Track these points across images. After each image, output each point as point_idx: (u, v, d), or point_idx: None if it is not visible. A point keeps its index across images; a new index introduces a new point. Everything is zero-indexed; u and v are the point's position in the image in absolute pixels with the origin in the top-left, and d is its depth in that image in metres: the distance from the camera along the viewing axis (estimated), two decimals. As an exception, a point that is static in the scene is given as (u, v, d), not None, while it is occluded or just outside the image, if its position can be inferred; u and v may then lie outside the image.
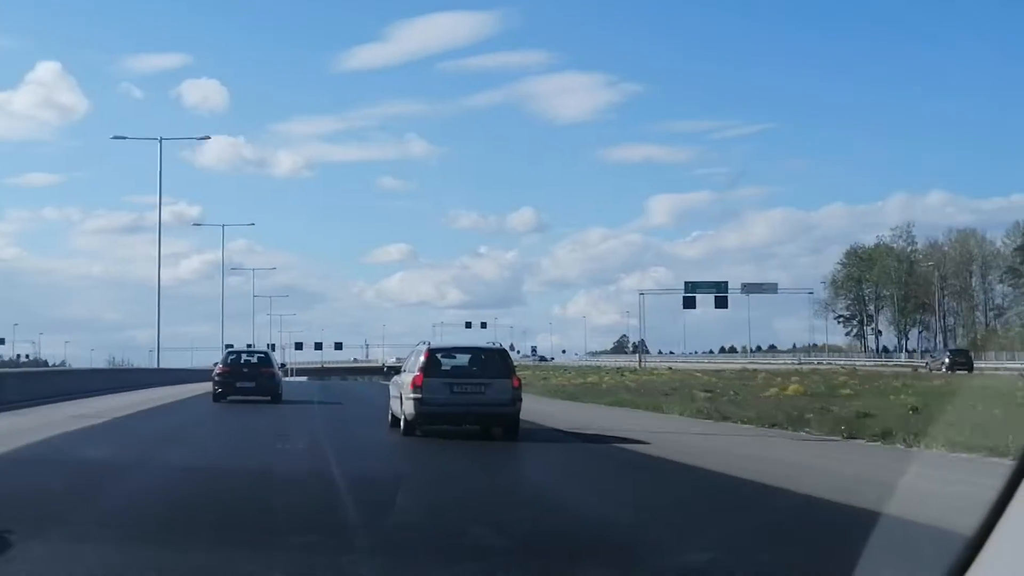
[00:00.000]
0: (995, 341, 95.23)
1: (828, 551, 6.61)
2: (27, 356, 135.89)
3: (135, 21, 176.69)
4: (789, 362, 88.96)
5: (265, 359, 30.53)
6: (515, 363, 17.77)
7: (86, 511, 8.07)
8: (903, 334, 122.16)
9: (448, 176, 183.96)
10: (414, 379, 15.54)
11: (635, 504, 9.41)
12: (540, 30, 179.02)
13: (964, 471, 11.12)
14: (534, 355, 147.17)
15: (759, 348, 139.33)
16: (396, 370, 19.24)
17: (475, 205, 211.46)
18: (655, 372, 61.17)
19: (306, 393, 37.03)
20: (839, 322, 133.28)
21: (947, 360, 63.52)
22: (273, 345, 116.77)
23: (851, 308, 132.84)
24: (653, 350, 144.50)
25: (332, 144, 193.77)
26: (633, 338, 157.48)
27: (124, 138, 58.62)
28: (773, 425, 18.44)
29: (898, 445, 14.50)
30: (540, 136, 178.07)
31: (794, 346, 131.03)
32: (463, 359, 17.02)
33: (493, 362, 16.34)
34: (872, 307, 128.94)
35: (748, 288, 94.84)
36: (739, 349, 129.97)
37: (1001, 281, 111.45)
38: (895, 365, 77.95)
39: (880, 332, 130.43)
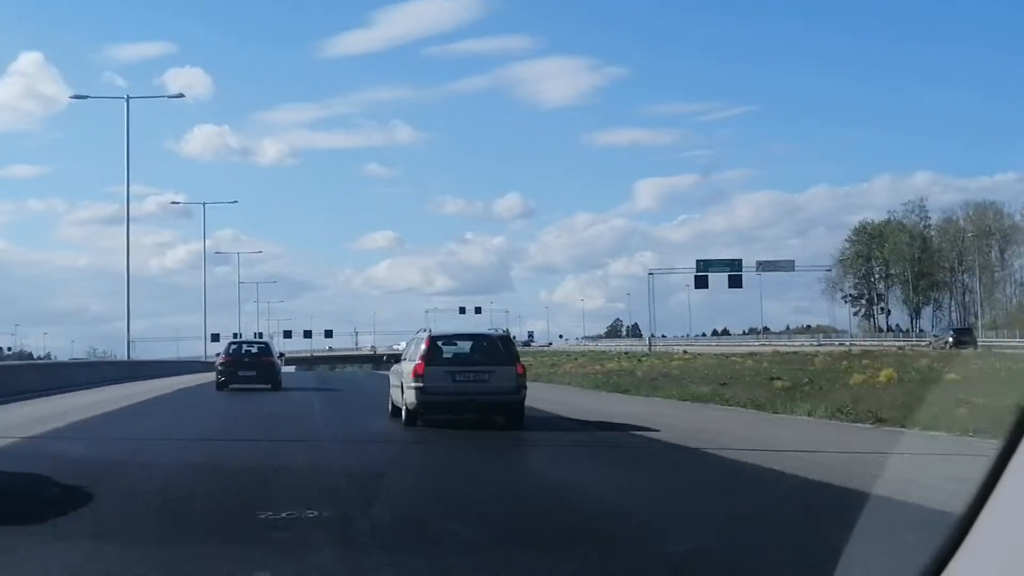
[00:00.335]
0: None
1: None
2: (9, 349, 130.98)
3: (118, 10, 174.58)
4: (807, 343, 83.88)
5: (265, 349, 32.03)
6: None
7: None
8: (916, 313, 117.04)
9: (434, 162, 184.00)
10: (415, 367, 15.18)
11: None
12: (524, 14, 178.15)
13: None
14: (531, 339, 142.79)
15: (752, 330, 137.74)
16: (396, 358, 18.48)
17: (461, 191, 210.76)
18: (676, 357, 55.85)
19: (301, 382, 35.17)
20: (846, 301, 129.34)
21: (950, 339, 63.85)
22: (260, 334, 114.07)
23: (858, 287, 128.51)
24: (644, 333, 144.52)
25: (317, 131, 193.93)
26: (627, 322, 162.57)
27: (84, 97, 53.06)
28: (973, 432, 12.50)
29: None
30: (525, 121, 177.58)
31: (787, 327, 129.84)
32: (465, 346, 16.64)
33: (496, 349, 15.93)
34: (881, 285, 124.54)
35: (763, 266, 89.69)
36: (731, 332, 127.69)
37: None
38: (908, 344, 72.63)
39: (889, 311, 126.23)
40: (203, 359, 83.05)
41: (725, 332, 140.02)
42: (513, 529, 6.92)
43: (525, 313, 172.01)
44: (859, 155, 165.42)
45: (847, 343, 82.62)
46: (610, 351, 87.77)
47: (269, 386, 29.13)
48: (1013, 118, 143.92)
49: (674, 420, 16.62)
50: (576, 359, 66.45)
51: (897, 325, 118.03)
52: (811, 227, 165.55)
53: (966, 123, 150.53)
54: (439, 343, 16.01)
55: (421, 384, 15.05)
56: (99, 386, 30.43)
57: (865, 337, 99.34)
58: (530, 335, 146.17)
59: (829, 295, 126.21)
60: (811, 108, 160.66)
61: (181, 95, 63.06)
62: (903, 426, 13.93)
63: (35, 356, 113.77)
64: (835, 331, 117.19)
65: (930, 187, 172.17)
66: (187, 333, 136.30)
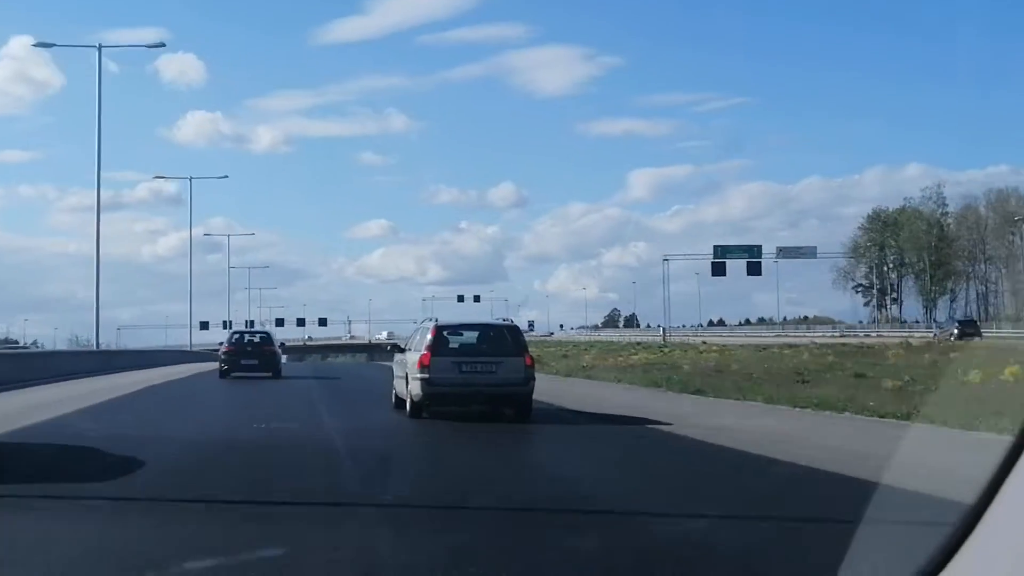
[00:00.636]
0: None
1: None
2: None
3: None
4: (828, 335, 79.25)
5: (267, 338, 33.25)
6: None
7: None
8: (932, 303, 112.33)
9: (428, 151, 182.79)
10: (421, 358, 14.90)
11: None
12: (519, 3, 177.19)
13: None
14: (531, 329, 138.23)
15: (747, 321, 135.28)
16: (399, 348, 17.75)
17: (455, 180, 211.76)
18: (701, 348, 51.15)
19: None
20: (857, 291, 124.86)
21: (956, 331, 63.43)
22: (252, 322, 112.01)
23: (868, 277, 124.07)
24: (642, 323, 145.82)
25: (311, 119, 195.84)
26: (625, 312, 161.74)
27: (51, 45, 48.25)
28: None
29: None
30: (520, 110, 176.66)
31: (784, 319, 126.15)
32: (472, 336, 16.27)
33: (504, 339, 15.60)
34: (895, 274, 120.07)
35: (784, 252, 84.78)
36: (726, 323, 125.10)
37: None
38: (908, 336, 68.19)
39: (901, 301, 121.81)
40: (188, 348, 78.87)
41: (721, 323, 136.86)
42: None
43: (519, 302, 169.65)
44: (852, 147, 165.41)
45: (862, 333, 78.28)
46: (620, 341, 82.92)
47: (270, 374, 30.35)
48: (1008, 111, 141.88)
49: (872, 447, 11.01)
50: (587, 350, 61.93)
51: (910, 317, 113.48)
52: (803, 218, 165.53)
53: (960, 116, 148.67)
54: (445, 333, 15.64)
55: (427, 375, 14.69)
56: (49, 382, 25.40)
57: (863, 328, 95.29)
58: (530, 324, 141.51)
59: (841, 285, 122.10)
60: (805, 99, 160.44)
61: (161, 44, 57.86)
62: None
63: (20, 343, 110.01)
64: (832, 322, 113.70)
65: (921, 180, 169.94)
66: (178, 321, 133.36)
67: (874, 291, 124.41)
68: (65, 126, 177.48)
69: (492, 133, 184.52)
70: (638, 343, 74.01)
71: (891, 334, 75.43)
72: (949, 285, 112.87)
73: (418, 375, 14.80)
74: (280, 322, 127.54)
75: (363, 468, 9.64)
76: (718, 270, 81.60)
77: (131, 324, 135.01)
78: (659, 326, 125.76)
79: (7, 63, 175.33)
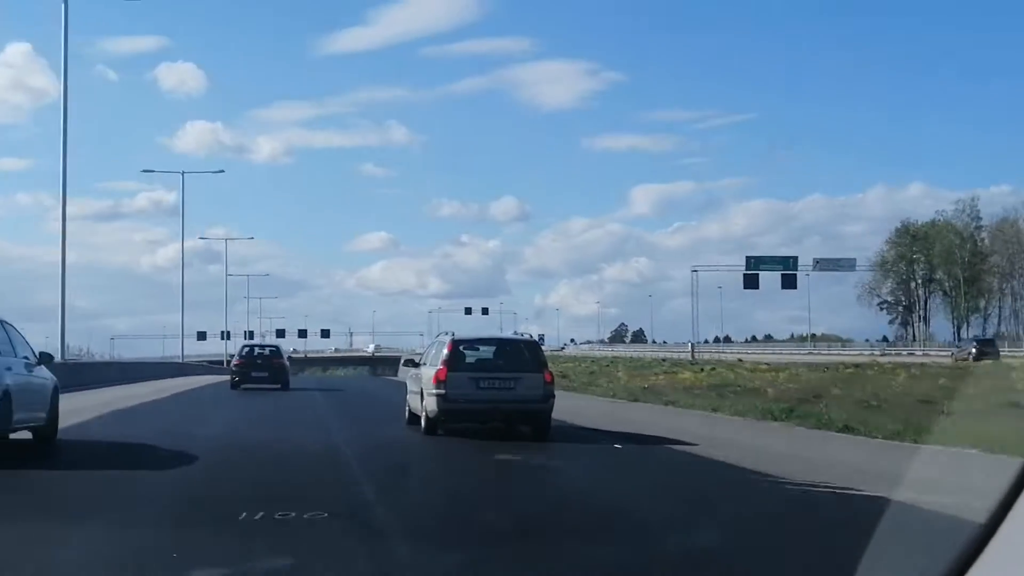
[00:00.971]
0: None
1: None
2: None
3: (110, 2, 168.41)
4: (861, 352, 73.62)
5: (276, 352, 34.27)
6: None
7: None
8: (964, 321, 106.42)
9: (430, 164, 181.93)
10: (437, 373, 14.56)
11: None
12: (523, 17, 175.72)
13: None
14: (541, 343, 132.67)
15: (754, 338, 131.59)
16: (413, 363, 17.32)
17: (457, 193, 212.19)
18: (746, 367, 45.53)
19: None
20: (882, 308, 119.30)
21: (974, 350, 61.06)
22: (251, 332, 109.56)
23: (894, 293, 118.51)
24: (647, 339, 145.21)
25: (312, 130, 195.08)
26: (632, 327, 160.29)
27: None
28: None
29: None
30: (523, 124, 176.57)
31: (792, 335, 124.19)
32: (489, 351, 15.78)
33: (522, 355, 15.19)
34: (922, 291, 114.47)
35: (822, 264, 78.86)
36: (732, 339, 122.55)
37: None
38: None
39: (928, 319, 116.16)
40: (179, 359, 73.31)
41: (727, 339, 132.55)
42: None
43: (528, 315, 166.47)
44: (854, 165, 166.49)
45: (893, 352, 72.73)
46: (643, 357, 77.12)
47: (279, 386, 31.19)
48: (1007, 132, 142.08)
49: None
50: (608, 366, 56.41)
51: (939, 335, 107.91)
52: (805, 235, 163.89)
53: (961, 135, 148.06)
54: (462, 348, 15.27)
55: (443, 391, 14.38)
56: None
57: (874, 347, 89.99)
58: (540, 338, 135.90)
59: (866, 301, 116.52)
60: (809, 117, 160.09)
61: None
62: None
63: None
64: (840, 340, 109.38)
65: (922, 199, 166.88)
66: (176, 331, 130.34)
67: (900, 308, 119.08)
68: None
69: (494, 147, 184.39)
70: (663, 359, 68.46)
71: (936, 352, 69.90)
72: (982, 303, 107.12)
73: (434, 391, 14.46)
74: (281, 333, 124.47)
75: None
76: (750, 283, 75.61)
77: (127, 334, 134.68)
78: (664, 341, 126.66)
79: (4, 71, 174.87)
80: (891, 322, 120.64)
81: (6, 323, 12.30)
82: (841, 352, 78.61)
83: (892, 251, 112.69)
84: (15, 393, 11.22)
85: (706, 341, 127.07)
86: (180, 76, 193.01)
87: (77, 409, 17.64)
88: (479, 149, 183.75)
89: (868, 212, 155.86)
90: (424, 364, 15.93)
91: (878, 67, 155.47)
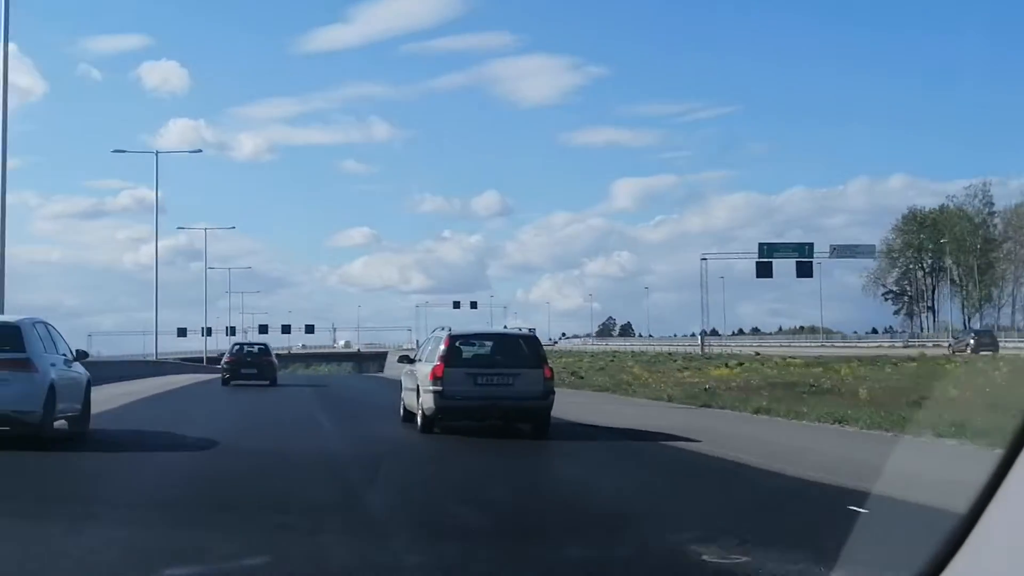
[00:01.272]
0: None
1: None
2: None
3: (93, 1, 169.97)
4: (878, 344, 69.10)
5: (265, 350, 36.36)
6: None
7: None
8: (978, 310, 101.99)
9: (412, 160, 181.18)
10: (433, 369, 14.23)
11: None
12: (504, 12, 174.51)
13: None
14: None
15: (740, 331, 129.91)
16: (408, 359, 16.96)
17: (439, 189, 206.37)
18: (789, 361, 40.55)
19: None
20: (887, 299, 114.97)
21: (972, 342, 59.80)
22: (233, 328, 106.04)
23: (899, 283, 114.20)
24: (635, 332, 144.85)
25: (294, 127, 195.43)
26: (620, 321, 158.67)
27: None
28: None
29: None
30: (504, 119, 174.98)
31: (780, 328, 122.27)
32: (487, 347, 15.56)
33: (521, 350, 14.95)
34: (929, 280, 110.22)
35: (838, 251, 74.01)
36: (719, 332, 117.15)
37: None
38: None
39: (934, 309, 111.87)
40: (154, 358, 68.41)
41: (715, 332, 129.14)
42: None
43: (509, 311, 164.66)
44: (836, 158, 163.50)
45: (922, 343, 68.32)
46: (645, 352, 72.34)
47: (268, 382, 32.77)
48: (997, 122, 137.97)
49: None
50: (614, 361, 51.68)
51: (950, 325, 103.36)
52: (787, 228, 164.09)
53: (945, 126, 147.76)
54: (459, 343, 14.92)
55: (440, 387, 14.02)
56: None
57: (894, 338, 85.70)
58: (531, 332, 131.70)
59: (871, 291, 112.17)
60: (789, 110, 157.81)
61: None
62: None
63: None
64: (828, 332, 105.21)
65: (905, 191, 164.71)
66: (160, 329, 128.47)
67: (905, 298, 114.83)
68: (47, 134, 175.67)
69: (476, 142, 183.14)
70: (669, 353, 63.82)
71: (865, 344, 65.58)
72: (995, 292, 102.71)
73: (430, 387, 14.14)
74: (264, 328, 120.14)
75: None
76: (763, 271, 70.61)
77: (108, 332, 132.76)
78: (650, 335, 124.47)
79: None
80: (896, 312, 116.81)
81: (48, 324, 13.74)
82: (858, 345, 73.90)
83: (899, 239, 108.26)
84: (58, 386, 12.60)
85: (692, 335, 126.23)
86: (163, 74, 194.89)
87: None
88: (461, 144, 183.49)
89: (850, 204, 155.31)
90: (420, 360, 15.58)
91: (864, 61, 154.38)
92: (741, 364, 38.09)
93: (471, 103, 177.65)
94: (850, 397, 19.06)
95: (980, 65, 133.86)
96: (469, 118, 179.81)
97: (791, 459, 11.07)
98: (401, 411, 16.74)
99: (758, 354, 54.94)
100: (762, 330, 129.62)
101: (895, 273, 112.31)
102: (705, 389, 23.96)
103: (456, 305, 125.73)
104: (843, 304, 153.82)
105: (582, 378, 36.08)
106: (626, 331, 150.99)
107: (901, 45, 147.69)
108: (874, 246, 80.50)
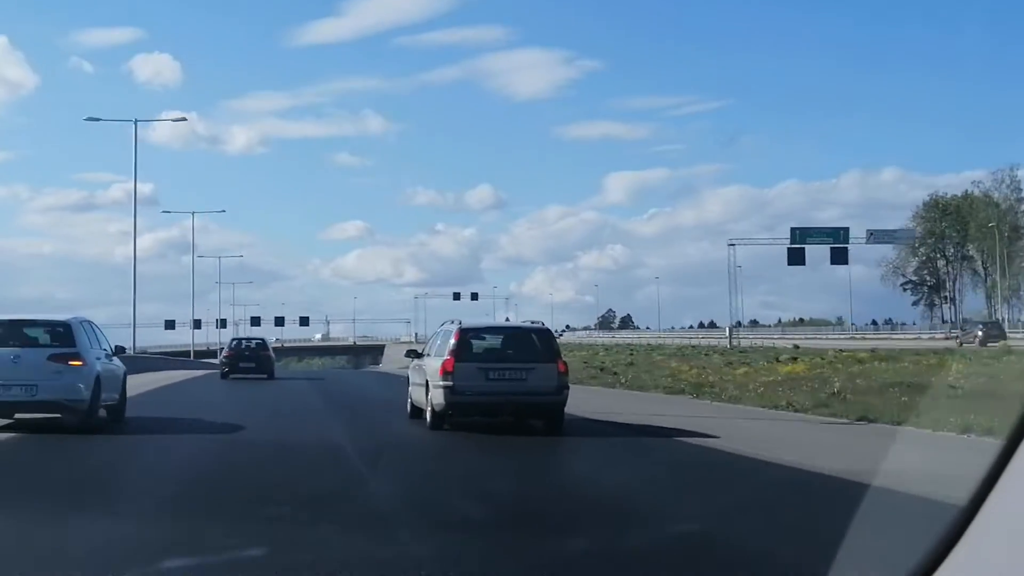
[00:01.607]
0: None
1: None
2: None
3: None
4: (931, 335, 64.07)
5: (262, 344, 36.90)
6: None
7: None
8: (1006, 300, 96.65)
9: (405, 153, 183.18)
10: (443, 364, 13.88)
11: None
12: (497, 5, 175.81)
13: None
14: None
15: (739, 324, 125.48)
16: (416, 353, 16.57)
17: (432, 182, 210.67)
18: (850, 355, 35.35)
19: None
20: (905, 289, 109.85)
21: (980, 333, 58.23)
22: (224, 321, 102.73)
23: (918, 273, 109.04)
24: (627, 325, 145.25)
25: (287, 120, 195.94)
26: (620, 314, 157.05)
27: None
28: None
29: None
30: (498, 113, 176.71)
31: (779, 320, 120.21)
32: (499, 340, 15.21)
33: (534, 344, 14.43)
34: (951, 269, 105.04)
35: (875, 236, 68.67)
36: (717, 324, 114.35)
37: None
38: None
39: (955, 300, 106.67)
40: (132, 352, 63.36)
41: (712, 324, 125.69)
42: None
43: (498, 304, 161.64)
44: (829, 151, 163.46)
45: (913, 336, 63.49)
46: (665, 345, 67.14)
47: (265, 376, 33.60)
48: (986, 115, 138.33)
49: None
50: (634, 355, 46.58)
51: (969, 316, 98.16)
52: (780, 222, 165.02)
53: (935, 120, 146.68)
54: (470, 337, 14.49)
55: (450, 383, 13.68)
56: None
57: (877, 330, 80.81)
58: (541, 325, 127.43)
59: (891, 281, 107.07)
60: (782, 104, 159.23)
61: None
62: None
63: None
64: (830, 324, 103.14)
65: (897, 184, 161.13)
66: (148, 322, 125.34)
67: (924, 288, 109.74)
68: (39, 126, 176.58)
69: (470, 135, 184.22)
70: (693, 346, 58.70)
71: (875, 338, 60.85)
72: (1021, 280, 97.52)
73: (440, 383, 13.73)
74: (256, 321, 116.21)
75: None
76: (795, 258, 64.88)
77: (100, 325, 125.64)
78: (647, 327, 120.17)
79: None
80: (915, 304, 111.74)
81: (92, 323, 15.29)
82: (891, 337, 68.79)
83: (920, 227, 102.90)
84: (103, 378, 14.07)
85: (690, 327, 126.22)
86: (155, 67, 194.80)
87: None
88: (455, 138, 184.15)
89: (842, 197, 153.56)
90: (428, 355, 15.32)
91: (857, 54, 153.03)
92: (795, 359, 32.77)
93: (464, 96, 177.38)
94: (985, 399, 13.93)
95: (976, 58, 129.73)
96: (462, 111, 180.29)
97: None
98: (408, 407, 16.41)
99: (797, 347, 49.74)
100: (760, 322, 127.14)
101: (914, 262, 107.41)
102: (835, 393, 18.25)
103: (456, 296, 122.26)
104: (846, 295, 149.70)
105: (615, 374, 30.76)
106: (626, 323, 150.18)
107: (895, 38, 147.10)
108: (913, 229, 75.12)
